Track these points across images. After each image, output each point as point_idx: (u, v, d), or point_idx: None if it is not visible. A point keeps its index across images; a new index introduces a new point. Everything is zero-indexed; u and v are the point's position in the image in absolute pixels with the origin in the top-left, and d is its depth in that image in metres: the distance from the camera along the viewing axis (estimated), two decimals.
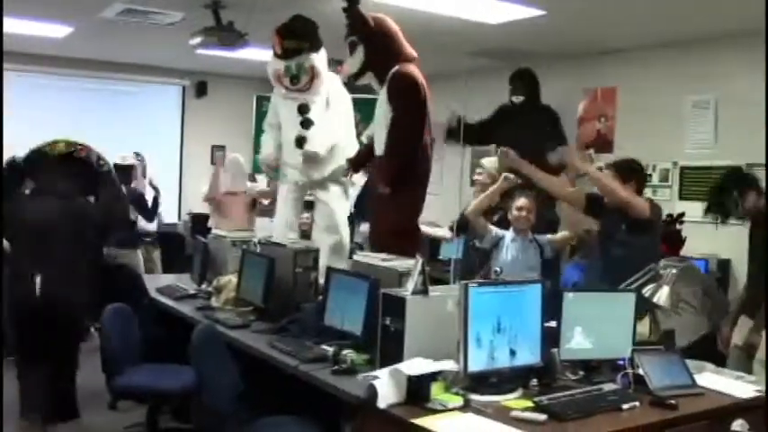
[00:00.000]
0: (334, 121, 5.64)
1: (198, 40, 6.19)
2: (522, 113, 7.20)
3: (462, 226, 5.60)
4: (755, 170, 5.35)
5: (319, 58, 5.46)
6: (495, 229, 5.44)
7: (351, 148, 5.68)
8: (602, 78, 7.51)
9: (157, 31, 7.10)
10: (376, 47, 5.07)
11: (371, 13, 5.08)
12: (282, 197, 5.82)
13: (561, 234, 5.57)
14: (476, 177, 6.09)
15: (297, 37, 5.38)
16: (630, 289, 3.86)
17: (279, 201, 5.89)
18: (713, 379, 3.59)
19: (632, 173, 4.88)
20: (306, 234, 6.02)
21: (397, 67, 4.98)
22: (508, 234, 5.39)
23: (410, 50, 5.11)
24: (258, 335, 4.13)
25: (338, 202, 5.74)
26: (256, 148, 7.87)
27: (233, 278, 4.96)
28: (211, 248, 5.58)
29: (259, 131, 6.89)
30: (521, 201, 5.31)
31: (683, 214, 5.61)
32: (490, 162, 5.94)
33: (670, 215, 5.51)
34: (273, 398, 3.74)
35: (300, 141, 5.53)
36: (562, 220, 5.82)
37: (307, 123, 5.53)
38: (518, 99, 7.25)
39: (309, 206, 5.95)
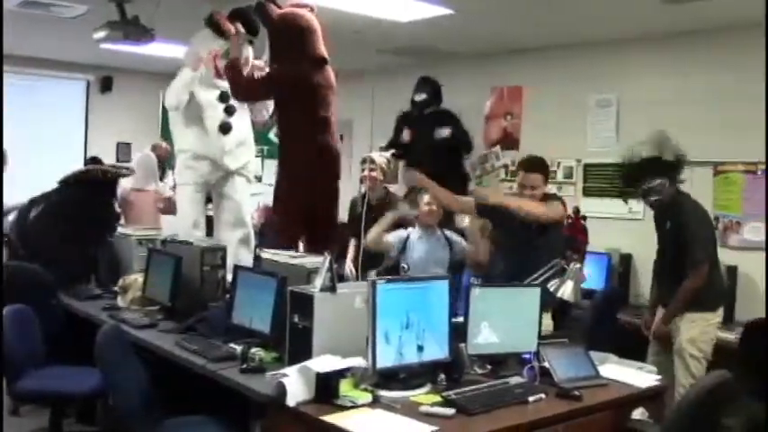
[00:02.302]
0: (246, 117, 5.65)
1: (102, 34, 6.03)
2: (426, 120, 7.22)
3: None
4: None
5: (252, 56, 5.50)
6: (396, 235, 5.27)
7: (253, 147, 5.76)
8: (509, 77, 7.61)
9: (60, 24, 6.92)
10: (280, 44, 5.05)
11: (291, 7, 5.06)
12: (187, 197, 5.74)
13: (468, 246, 5.35)
14: (366, 173, 5.86)
15: (248, 26, 5.43)
16: (536, 284, 3.93)
17: (182, 201, 5.81)
18: (616, 370, 3.69)
19: (545, 169, 4.96)
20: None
21: None
22: (414, 232, 5.26)
23: (319, 51, 5.08)
24: (165, 334, 4.09)
25: (244, 195, 5.74)
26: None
27: (139, 277, 4.89)
28: (117, 247, 5.47)
29: (166, 128, 6.77)
30: (427, 196, 5.20)
31: (578, 211, 5.77)
32: (381, 157, 5.93)
33: (577, 208, 5.66)
34: (182, 398, 3.69)
35: (225, 128, 5.50)
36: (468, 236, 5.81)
37: (230, 110, 5.51)
38: (420, 97, 7.25)
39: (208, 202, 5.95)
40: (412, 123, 7.23)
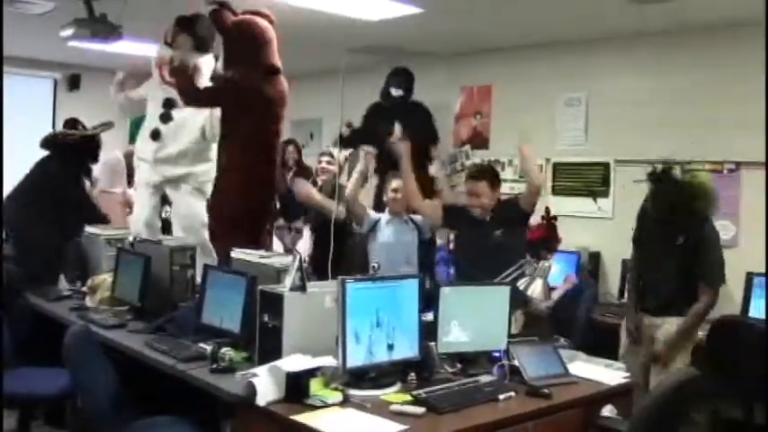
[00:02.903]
0: (193, 128, 5.58)
1: (69, 32, 5.97)
2: (398, 110, 7.23)
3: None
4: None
5: (205, 62, 5.44)
6: (371, 213, 5.57)
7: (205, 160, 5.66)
8: (479, 76, 7.63)
9: (27, 20, 6.84)
10: (233, 51, 5.04)
11: (248, 14, 5.04)
12: (139, 197, 5.76)
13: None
14: (324, 166, 6.13)
15: (189, 33, 5.39)
16: (505, 282, 3.95)
17: (136, 201, 5.84)
18: (584, 367, 3.73)
19: (492, 176, 5.06)
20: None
21: None
22: (384, 216, 5.51)
23: (272, 61, 5.06)
24: (134, 335, 4.07)
25: (192, 204, 5.66)
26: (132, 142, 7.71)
27: (108, 277, 4.85)
28: (85, 247, 5.42)
29: (134, 127, 6.73)
30: (395, 183, 5.44)
31: (548, 211, 5.82)
32: (342, 153, 6.02)
33: (548, 209, 5.70)
34: (152, 399, 3.67)
35: (154, 133, 5.48)
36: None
37: (166, 118, 5.48)
38: (397, 92, 7.27)
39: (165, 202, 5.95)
40: (384, 116, 7.24)
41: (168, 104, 5.50)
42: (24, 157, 6.03)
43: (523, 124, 5.44)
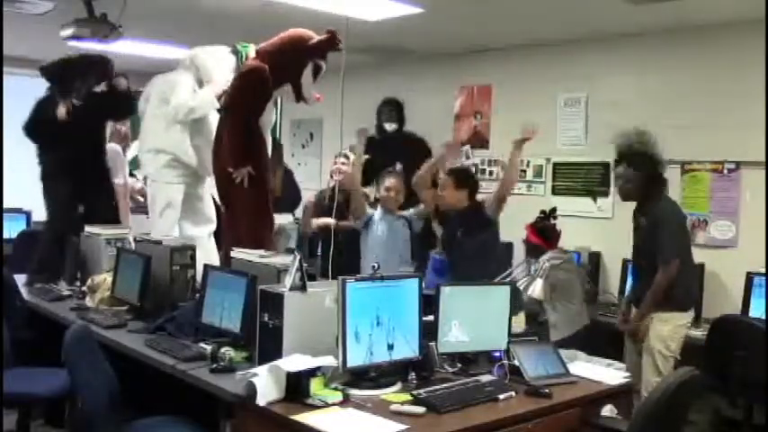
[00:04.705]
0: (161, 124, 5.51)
1: (69, 31, 5.97)
2: (393, 143, 7.16)
3: None
4: None
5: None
6: (367, 209, 5.74)
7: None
8: (478, 76, 7.63)
9: (26, 20, 6.84)
10: None
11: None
12: (169, 197, 5.56)
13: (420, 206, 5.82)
14: (338, 166, 6.19)
15: None
16: (505, 282, 3.95)
17: (162, 200, 5.60)
18: (585, 367, 3.72)
19: (467, 179, 5.46)
20: None
21: None
22: (377, 212, 5.71)
23: None
24: (134, 334, 4.06)
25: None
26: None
27: (108, 277, 4.85)
28: (84, 246, 5.42)
29: (134, 125, 6.68)
30: (389, 181, 5.71)
31: (555, 209, 5.80)
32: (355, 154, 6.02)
33: (543, 211, 5.69)
34: (151, 398, 3.67)
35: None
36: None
37: None
38: (391, 127, 7.25)
39: None
40: (381, 150, 7.06)
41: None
42: (25, 157, 6.00)
43: (529, 122, 5.49)
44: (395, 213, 5.69)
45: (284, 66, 4.92)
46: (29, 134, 5.80)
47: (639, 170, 4.79)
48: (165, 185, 5.52)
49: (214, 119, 5.35)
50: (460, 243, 5.26)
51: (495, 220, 5.38)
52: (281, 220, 6.30)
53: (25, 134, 5.81)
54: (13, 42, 8.39)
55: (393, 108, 7.29)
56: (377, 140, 7.19)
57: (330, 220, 5.71)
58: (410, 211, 5.74)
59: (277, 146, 6.35)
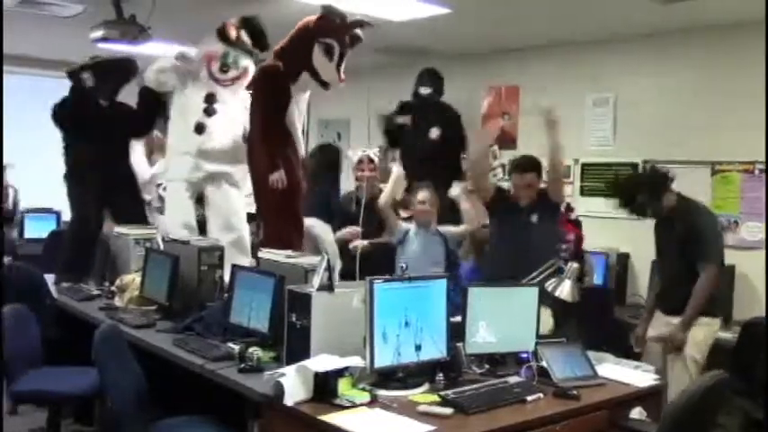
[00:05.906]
0: (238, 125, 5.59)
1: (98, 33, 6.03)
2: (427, 109, 7.24)
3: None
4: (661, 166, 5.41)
5: (252, 68, 5.52)
6: (402, 224, 5.49)
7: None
8: (506, 76, 7.61)
9: (56, 23, 6.90)
10: None
11: None
12: (175, 197, 5.67)
13: (462, 227, 5.60)
14: (365, 173, 5.95)
15: (251, 34, 5.53)
16: (533, 283, 3.93)
17: (170, 200, 5.76)
18: (613, 369, 3.70)
19: (539, 166, 5.23)
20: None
21: None
22: (412, 227, 5.44)
23: None
24: (163, 334, 4.08)
25: (232, 201, 5.64)
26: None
27: (136, 277, 4.88)
28: (113, 247, 5.45)
29: (161, 126, 6.72)
30: (422, 194, 5.38)
31: (569, 204, 5.83)
32: (374, 155, 6.06)
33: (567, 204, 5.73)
34: (179, 398, 3.69)
35: (199, 128, 5.47)
36: (463, 215, 5.86)
37: (210, 112, 5.49)
38: (426, 91, 7.27)
39: (200, 201, 5.82)
40: (414, 114, 7.28)
41: (209, 99, 5.50)
42: (54, 156, 6.05)
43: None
44: (430, 228, 5.41)
45: (295, 54, 5.09)
46: (56, 120, 5.89)
47: (646, 204, 4.75)
48: (169, 183, 5.74)
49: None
50: (535, 229, 5.04)
51: (559, 206, 5.34)
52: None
53: (53, 120, 5.90)
54: (43, 45, 8.49)
55: (430, 75, 7.31)
56: (411, 104, 7.30)
57: (359, 240, 5.39)
58: (448, 229, 5.47)
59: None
